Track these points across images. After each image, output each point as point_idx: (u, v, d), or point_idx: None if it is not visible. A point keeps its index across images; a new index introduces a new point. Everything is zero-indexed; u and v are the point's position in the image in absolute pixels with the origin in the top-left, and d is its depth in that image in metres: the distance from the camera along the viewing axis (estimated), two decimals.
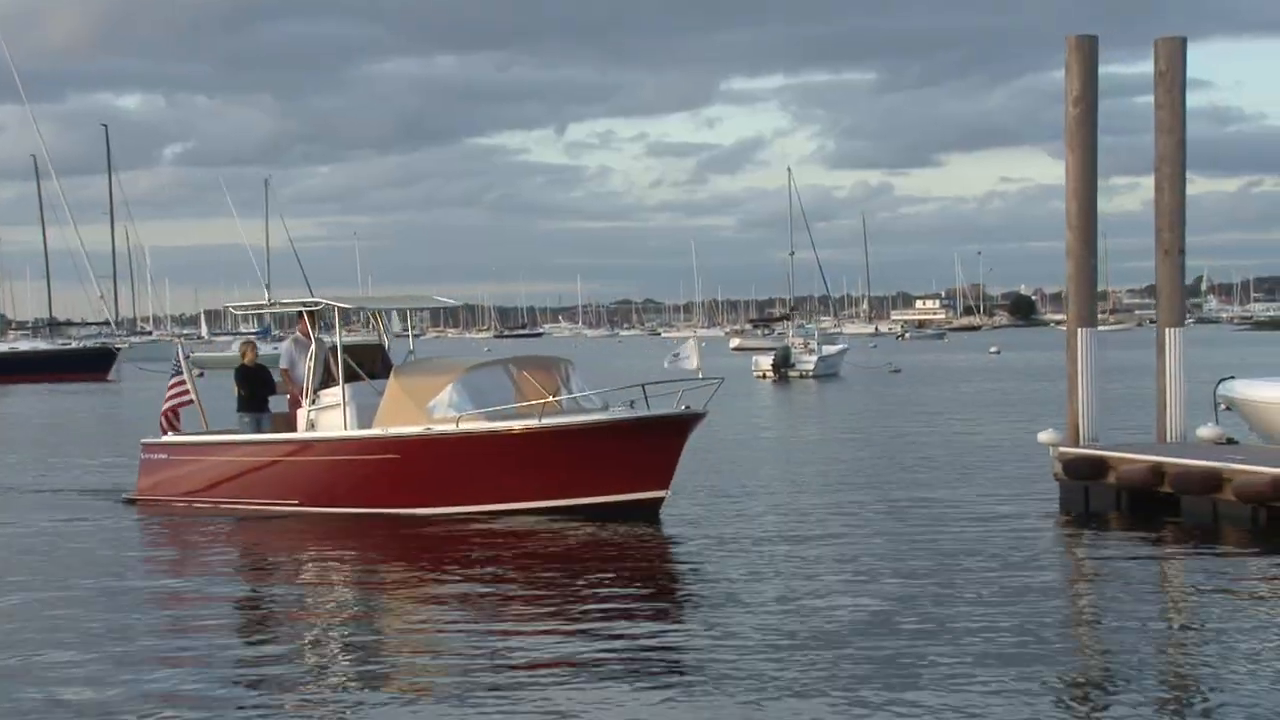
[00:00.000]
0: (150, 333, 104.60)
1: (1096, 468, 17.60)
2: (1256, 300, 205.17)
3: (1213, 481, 16.17)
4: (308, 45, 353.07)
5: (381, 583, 14.39)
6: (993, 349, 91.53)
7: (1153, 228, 19.05)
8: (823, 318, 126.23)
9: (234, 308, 23.22)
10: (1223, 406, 19.13)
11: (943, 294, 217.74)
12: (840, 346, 68.25)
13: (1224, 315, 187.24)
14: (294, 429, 19.45)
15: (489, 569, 14.59)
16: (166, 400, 20.88)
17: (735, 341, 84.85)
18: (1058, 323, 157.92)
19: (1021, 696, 9.36)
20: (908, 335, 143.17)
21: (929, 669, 10.09)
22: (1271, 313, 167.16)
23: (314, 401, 19.12)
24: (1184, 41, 18.96)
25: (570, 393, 18.22)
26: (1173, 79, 18.78)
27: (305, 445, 19.07)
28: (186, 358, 21.27)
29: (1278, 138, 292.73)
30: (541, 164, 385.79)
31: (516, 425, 17.36)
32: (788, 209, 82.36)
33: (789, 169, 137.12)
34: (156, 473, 20.52)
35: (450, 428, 17.63)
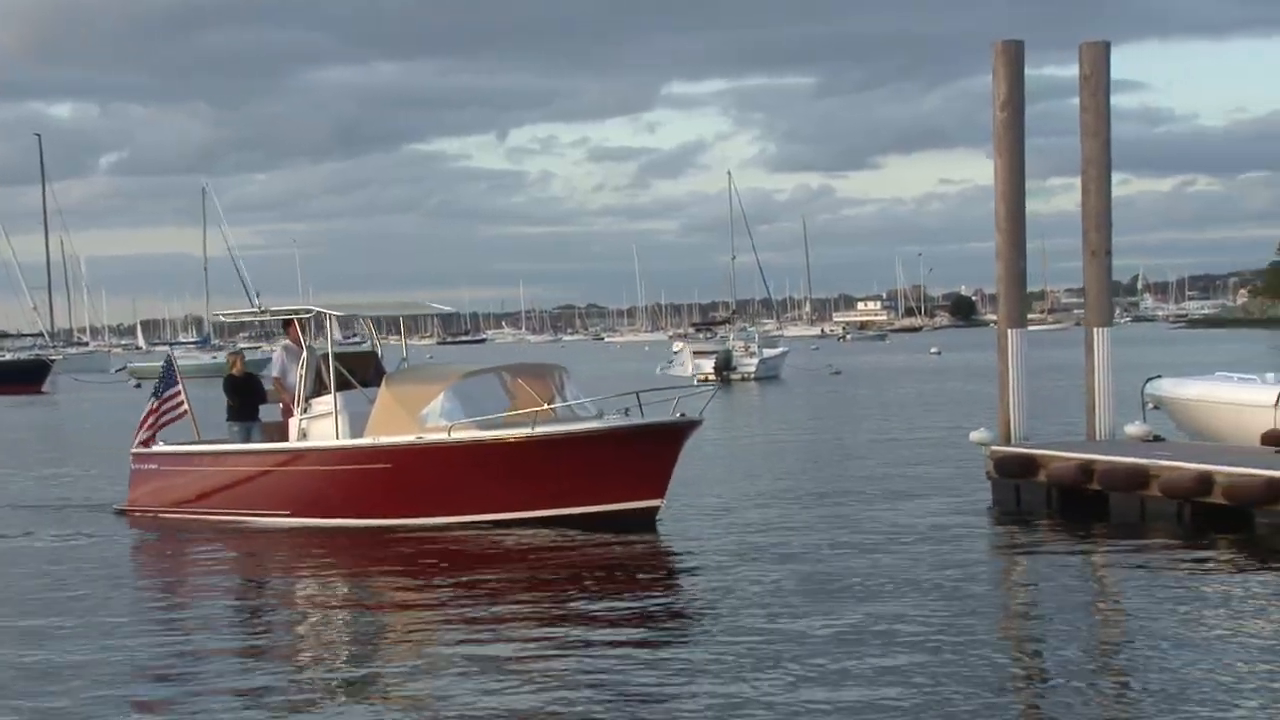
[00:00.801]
0: (87, 343, 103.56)
1: (1027, 466, 17.85)
2: (1191, 298, 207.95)
3: (1139, 478, 16.45)
4: (245, 53, 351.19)
5: (372, 597, 14.09)
6: (933, 349, 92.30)
7: None
8: (765, 320, 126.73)
9: (223, 315, 23.31)
10: (1150, 405, 19.45)
11: (884, 295, 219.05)
12: (781, 349, 68.58)
13: (1159, 313, 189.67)
14: (286, 439, 19.06)
15: (482, 581, 14.29)
16: (160, 412, 20.40)
17: (678, 345, 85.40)
18: (997, 322, 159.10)
19: (953, 690, 9.51)
20: (849, 337, 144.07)
21: (858, 663, 10.24)
22: (1206, 311, 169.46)
23: (305, 410, 18.72)
24: (1108, 45, 19.28)
25: (565, 400, 18.01)
26: (1097, 82, 19.09)
27: (295, 455, 18.74)
28: (177, 369, 20.88)
29: (1210, 138, 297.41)
30: (483, 170, 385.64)
31: (509, 434, 17.13)
32: (729, 212, 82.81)
33: (729, 173, 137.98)
34: (147, 483, 20.15)
35: (442, 437, 17.36)
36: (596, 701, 9.60)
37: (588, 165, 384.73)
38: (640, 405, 17.76)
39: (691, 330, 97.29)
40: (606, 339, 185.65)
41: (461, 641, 11.58)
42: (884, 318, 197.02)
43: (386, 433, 17.76)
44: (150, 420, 20.50)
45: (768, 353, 64.34)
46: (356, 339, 23.24)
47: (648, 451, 16.92)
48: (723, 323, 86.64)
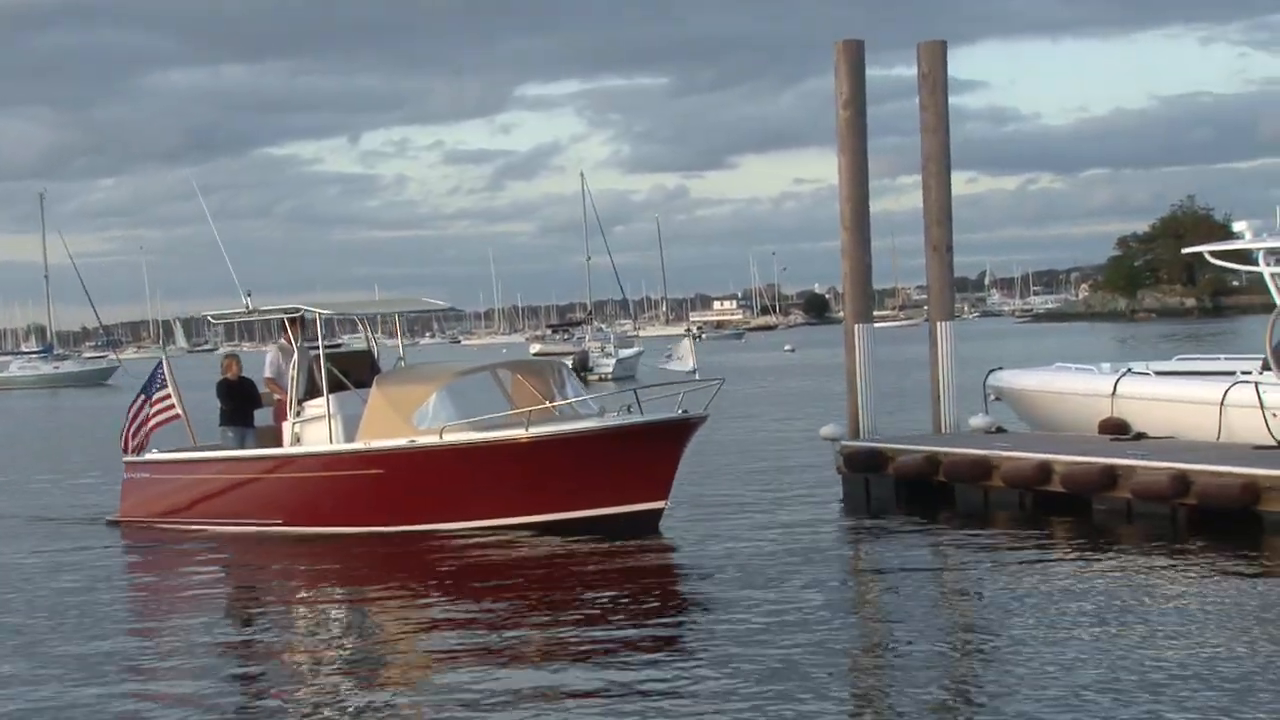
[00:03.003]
0: None
1: (875, 460, 18.14)
2: (1035, 293, 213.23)
3: (982, 469, 16.81)
4: (87, 56, 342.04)
5: (360, 614, 13.37)
6: (788, 347, 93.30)
7: None
8: (622, 321, 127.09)
9: (212, 316, 21.87)
10: (992, 397, 19.87)
11: (739, 295, 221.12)
12: (637, 349, 68.89)
13: (1006, 308, 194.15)
14: (280, 444, 18.21)
15: (476, 593, 13.59)
16: (151, 417, 19.52)
17: (536, 347, 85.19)
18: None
19: (804, 685, 9.61)
20: (704, 336, 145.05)
21: (706, 653, 10.30)
22: (1050, 305, 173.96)
23: (299, 414, 17.88)
24: (944, 45, 19.71)
25: (565, 398, 17.28)
26: (935, 81, 19.48)
27: (286, 461, 17.95)
28: (171, 371, 19.71)
29: (1053, 136, 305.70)
30: (336, 174, 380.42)
31: (503, 435, 16.32)
32: (584, 214, 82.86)
33: (582, 174, 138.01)
34: (139, 493, 19.34)
35: (434, 439, 16.55)
36: (593, 714, 9.34)
37: (443, 168, 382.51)
38: (639, 402, 16.79)
39: (548, 332, 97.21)
40: (464, 341, 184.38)
41: (455, 658, 11.04)
42: (739, 317, 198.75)
43: (378, 436, 16.92)
44: (136, 425, 19.57)
45: (624, 353, 64.70)
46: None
47: (650, 451, 15.98)
48: (579, 324, 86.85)
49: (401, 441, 16.74)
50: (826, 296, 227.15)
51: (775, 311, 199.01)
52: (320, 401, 17.71)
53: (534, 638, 11.59)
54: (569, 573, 14.39)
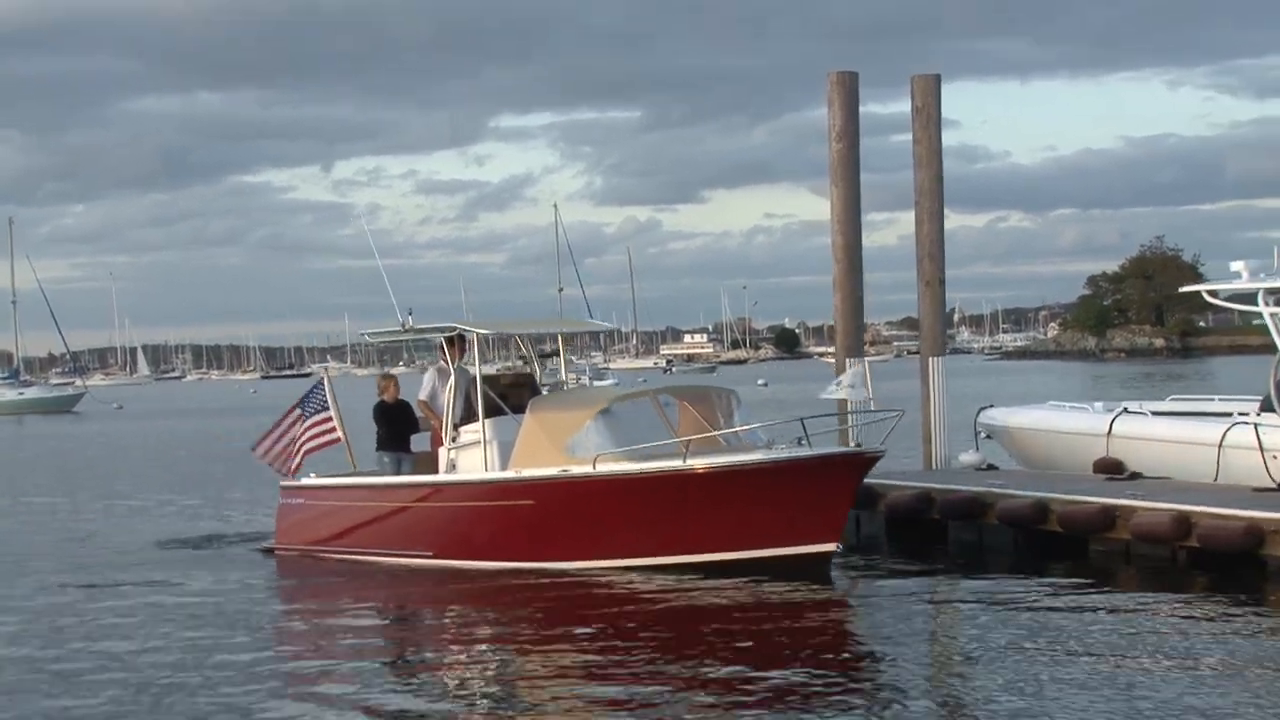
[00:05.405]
0: None
1: (866, 496, 17.79)
2: (1005, 331, 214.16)
3: (977, 507, 16.55)
4: (58, 81, 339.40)
5: (498, 663, 12.26)
6: (760, 381, 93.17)
7: (909, 261, 19.53)
8: (593, 353, 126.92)
9: (369, 335, 20.96)
10: (983, 435, 19.67)
11: (710, 328, 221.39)
12: (611, 381, 68.76)
13: (975, 346, 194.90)
14: (436, 470, 17.29)
15: (627, 643, 12.30)
16: (310, 439, 18.47)
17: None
18: (821, 354, 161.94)
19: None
20: (674, 369, 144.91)
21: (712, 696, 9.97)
22: (1019, 343, 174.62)
23: (454, 439, 16.98)
24: (938, 79, 19.56)
25: (731, 427, 16.13)
26: (928, 115, 19.33)
27: (436, 490, 16.97)
28: (333, 391, 18.58)
29: (1021, 175, 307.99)
30: (309, 202, 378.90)
31: (660, 467, 15.09)
32: (555, 245, 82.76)
33: (555, 205, 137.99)
34: (293, 519, 18.50)
35: (587, 469, 15.44)
36: None
37: (416, 198, 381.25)
38: (806, 434, 15.42)
39: (519, 363, 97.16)
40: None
41: (610, 710, 10.25)
42: (710, 350, 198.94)
43: (530, 464, 15.88)
44: (285, 444, 18.63)
45: (597, 385, 64.58)
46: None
47: (823, 487, 14.71)
48: (551, 355, 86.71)
49: (553, 471, 15.69)
50: (797, 331, 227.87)
51: (746, 345, 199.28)
52: (476, 426, 16.77)
53: (699, 700, 10.42)
54: (740, 623, 13.10)
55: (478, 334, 17.16)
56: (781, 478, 14.75)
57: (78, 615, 14.62)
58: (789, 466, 14.75)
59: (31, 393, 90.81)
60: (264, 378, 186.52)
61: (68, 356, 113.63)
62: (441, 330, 17.71)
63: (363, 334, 22.81)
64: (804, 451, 15.09)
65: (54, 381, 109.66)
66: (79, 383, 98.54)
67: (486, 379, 17.07)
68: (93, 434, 57.74)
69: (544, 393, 17.64)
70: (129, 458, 41.29)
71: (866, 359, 18.28)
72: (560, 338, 19.79)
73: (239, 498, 25.71)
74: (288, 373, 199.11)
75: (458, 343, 17.50)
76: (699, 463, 14.91)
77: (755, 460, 14.92)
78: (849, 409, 17.39)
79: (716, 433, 15.78)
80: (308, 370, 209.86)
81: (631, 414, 16.10)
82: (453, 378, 17.21)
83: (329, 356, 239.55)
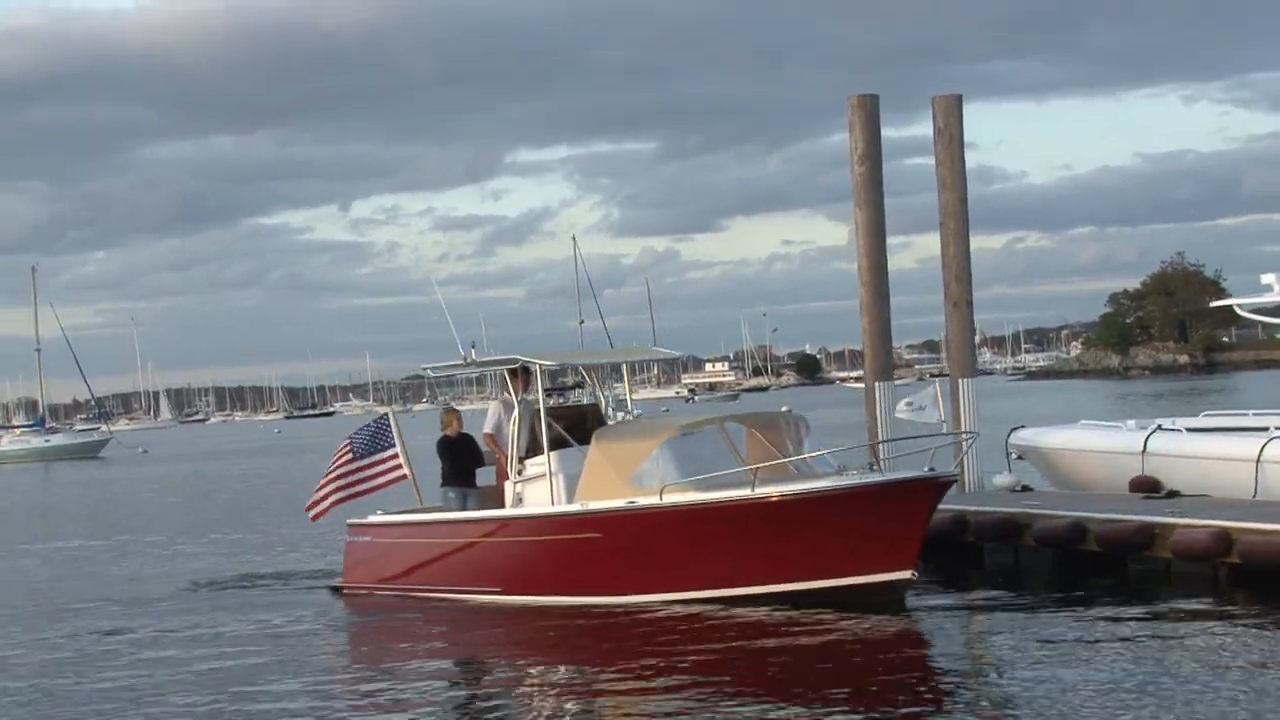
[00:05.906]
0: None
1: None
2: (1026, 351, 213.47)
3: (1013, 528, 16.39)
4: (78, 130, 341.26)
5: (574, 696, 12.12)
6: (785, 408, 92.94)
7: (929, 284, 19.52)
8: (615, 384, 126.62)
9: (430, 369, 20.95)
10: (1015, 455, 19.51)
11: (731, 356, 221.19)
12: (636, 412, 68.59)
13: (998, 366, 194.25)
14: (502, 505, 17.04)
15: (697, 677, 12.04)
16: (377, 476, 18.43)
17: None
18: (843, 379, 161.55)
19: None
20: (696, 398, 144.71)
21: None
22: (1041, 363, 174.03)
23: (520, 473, 16.73)
24: (959, 99, 19.47)
25: (801, 454, 15.76)
26: (950, 135, 19.24)
27: (501, 525, 16.75)
28: (399, 428, 18.40)
29: (1038, 195, 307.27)
30: (327, 241, 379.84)
31: (729, 496, 14.76)
32: (575, 278, 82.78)
33: (574, 238, 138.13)
34: (360, 556, 18.31)
35: (654, 500, 15.16)
36: None
37: (434, 234, 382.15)
38: (878, 458, 15.25)
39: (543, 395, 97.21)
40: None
41: None
42: (731, 378, 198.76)
43: (596, 496, 15.62)
44: (343, 485, 18.51)
45: (621, 416, 64.39)
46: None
47: (897, 513, 14.31)
48: (574, 387, 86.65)
49: (619, 503, 15.42)
50: (818, 357, 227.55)
51: (767, 372, 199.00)
52: (541, 459, 16.52)
53: None
54: (815, 658, 12.79)
55: (540, 365, 16.91)
56: (853, 504, 14.42)
57: (148, 655, 14.70)
58: (861, 493, 14.45)
59: (57, 439, 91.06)
60: (288, 417, 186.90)
61: (92, 402, 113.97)
62: (504, 363, 17.51)
63: (424, 368, 22.42)
64: (876, 477, 14.85)
65: (79, 428, 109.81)
66: (104, 428, 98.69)
67: (551, 411, 16.83)
68: (120, 478, 57.84)
69: (609, 423, 17.36)
70: (162, 502, 41.23)
71: (936, 380, 18.02)
72: (625, 368, 19.48)
73: (297, 535, 25.43)
74: (311, 412, 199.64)
75: (521, 375, 17.19)
76: (768, 491, 14.58)
77: (826, 487, 14.58)
78: (914, 433, 17.01)
79: (785, 459, 15.45)
80: (330, 409, 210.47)
81: (698, 443, 15.85)
82: (516, 410, 16.96)
83: (351, 395, 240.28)
